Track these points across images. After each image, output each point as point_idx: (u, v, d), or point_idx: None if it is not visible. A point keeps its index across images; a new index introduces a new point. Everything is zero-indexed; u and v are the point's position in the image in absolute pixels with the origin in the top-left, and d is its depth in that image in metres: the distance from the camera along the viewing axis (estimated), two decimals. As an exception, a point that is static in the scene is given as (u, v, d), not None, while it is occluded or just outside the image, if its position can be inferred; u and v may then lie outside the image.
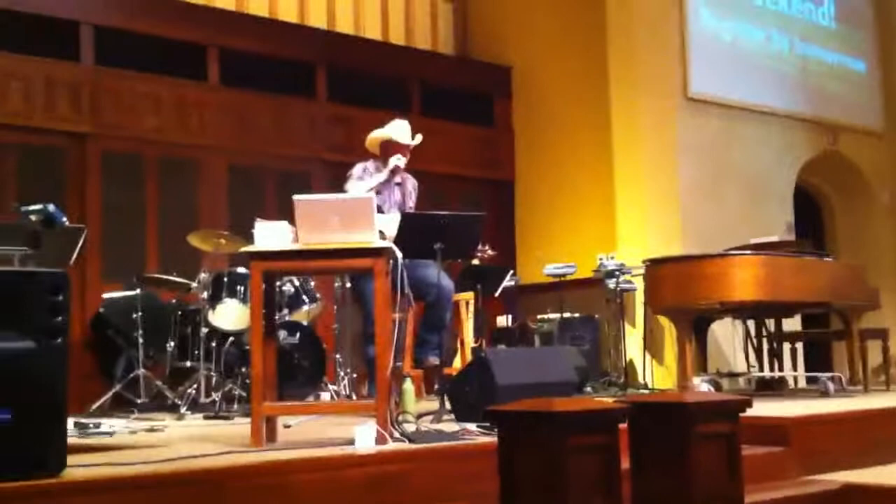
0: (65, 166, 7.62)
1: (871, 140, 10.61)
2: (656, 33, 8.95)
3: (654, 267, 6.68)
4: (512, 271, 7.67)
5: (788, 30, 10.08)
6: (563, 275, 7.97)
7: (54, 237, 4.60)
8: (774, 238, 7.63)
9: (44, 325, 2.97)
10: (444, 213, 5.13)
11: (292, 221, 4.06)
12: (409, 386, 4.55)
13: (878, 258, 10.07)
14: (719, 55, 9.35)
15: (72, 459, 3.02)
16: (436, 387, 5.56)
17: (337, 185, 5.92)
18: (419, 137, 5.78)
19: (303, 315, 6.60)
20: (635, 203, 8.70)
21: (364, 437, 3.74)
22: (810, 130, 10.02)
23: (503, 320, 8.54)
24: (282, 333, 6.14)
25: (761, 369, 7.67)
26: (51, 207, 4.52)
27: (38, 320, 2.96)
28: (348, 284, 6.34)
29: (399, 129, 5.76)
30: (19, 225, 4.59)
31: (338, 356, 6.61)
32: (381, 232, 4.31)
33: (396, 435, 3.90)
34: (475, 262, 6.63)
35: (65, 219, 4.65)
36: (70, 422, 3.18)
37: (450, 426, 4.39)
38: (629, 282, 8.04)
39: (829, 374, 7.17)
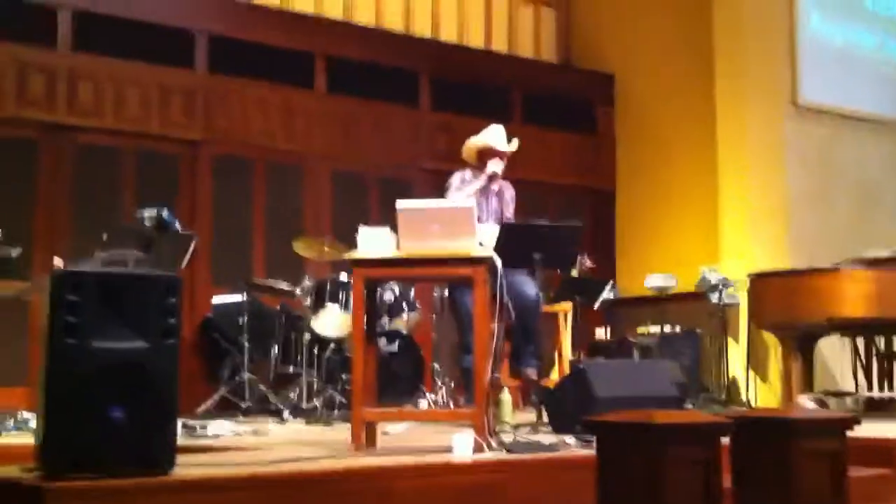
0: (178, 171, 7.87)
1: None
2: (765, 39, 8.76)
3: (760, 281, 6.53)
4: (611, 283, 7.59)
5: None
6: (664, 288, 7.85)
7: (167, 241, 4.78)
8: (886, 252, 7.37)
9: (157, 326, 3.07)
10: (543, 223, 5.12)
11: (394, 228, 4.10)
12: (506, 396, 4.56)
13: None
14: (830, 61, 9.10)
15: (180, 459, 3.12)
16: (533, 398, 5.55)
17: (438, 192, 5.96)
18: (516, 142, 5.73)
19: (402, 323, 6.67)
20: (740, 214, 8.51)
21: (462, 445, 3.76)
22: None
23: (601, 333, 8.46)
24: (381, 341, 6.21)
25: (870, 389, 7.41)
26: (164, 212, 4.70)
27: (151, 321, 3.06)
28: (446, 293, 6.38)
29: (494, 135, 5.73)
30: (134, 228, 4.78)
31: (435, 365, 6.66)
32: (479, 242, 4.32)
33: (494, 444, 3.90)
34: (574, 273, 6.59)
35: (177, 223, 4.83)
36: (178, 423, 3.28)
37: (547, 437, 4.38)
38: (733, 296, 7.86)
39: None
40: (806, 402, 6.20)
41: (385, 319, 6.51)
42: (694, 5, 9.07)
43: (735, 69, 8.69)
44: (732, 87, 8.68)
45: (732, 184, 8.60)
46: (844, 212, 8.82)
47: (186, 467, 3.15)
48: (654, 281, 7.88)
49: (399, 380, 6.35)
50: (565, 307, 6.73)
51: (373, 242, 4.13)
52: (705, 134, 8.81)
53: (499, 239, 4.95)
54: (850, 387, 7.67)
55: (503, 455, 3.79)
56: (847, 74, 9.17)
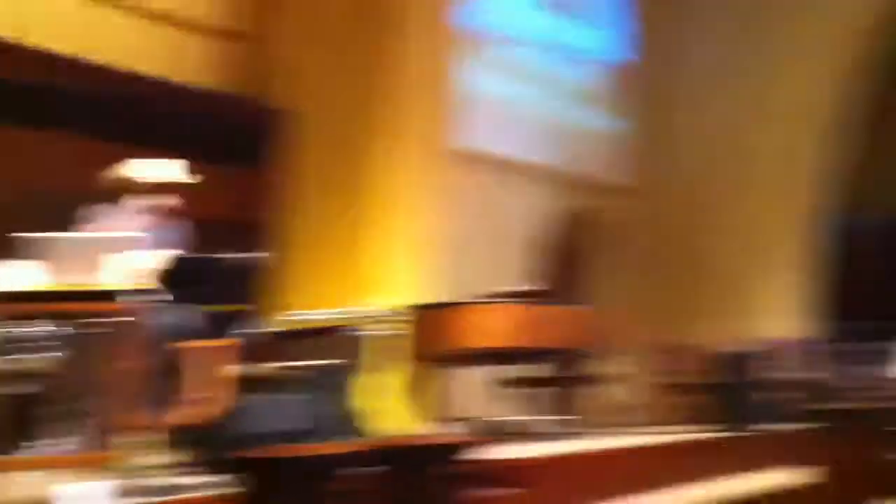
0: None
1: (625, 195, 11.32)
2: (424, 83, 9.13)
3: (408, 314, 6.85)
4: (261, 318, 7.54)
5: (551, 88, 10.61)
6: (307, 321, 7.94)
7: None
8: (510, 288, 7.97)
9: None
10: (211, 256, 4.98)
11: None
12: (148, 438, 4.39)
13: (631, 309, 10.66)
14: (484, 110, 9.64)
15: None
16: (179, 438, 5.37)
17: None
18: (179, 174, 5.55)
19: (38, 363, 6.20)
20: (385, 251, 8.83)
21: (96, 493, 3.57)
22: (568, 186, 10.59)
23: (250, 368, 8.36)
24: (16, 383, 5.72)
25: (501, 415, 7.92)
26: None
27: None
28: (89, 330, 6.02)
29: (150, 167, 5.52)
30: None
31: (71, 406, 6.23)
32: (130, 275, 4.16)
33: (134, 489, 3.75)
34: (230, 308, 6.47)
35: None
36: None
37: (194, 478, 4.29)
38: (376, 329, 8.11)
39: (559, 418, 7.51)
40: (445, 428, 6.55)
41: (21, 358, 6.01)
42: (362, 43, 9.28)
43: (394, 111, 8.97)
44: (390, 128, 8.95)
45: (377, 221, 8.90)
46: (488, 252, 9.45)
47: None
48: (298, 316, 7.95)
49: (33, 423, 5.87)
50: (215, 343, 6.61)
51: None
52: (358, 174, 9.06)
53: (163, 272, 4.76)
54: (484, 413, 8.20)
55: (143, 500, 3.65)
56: (500, 124, 9.81)
